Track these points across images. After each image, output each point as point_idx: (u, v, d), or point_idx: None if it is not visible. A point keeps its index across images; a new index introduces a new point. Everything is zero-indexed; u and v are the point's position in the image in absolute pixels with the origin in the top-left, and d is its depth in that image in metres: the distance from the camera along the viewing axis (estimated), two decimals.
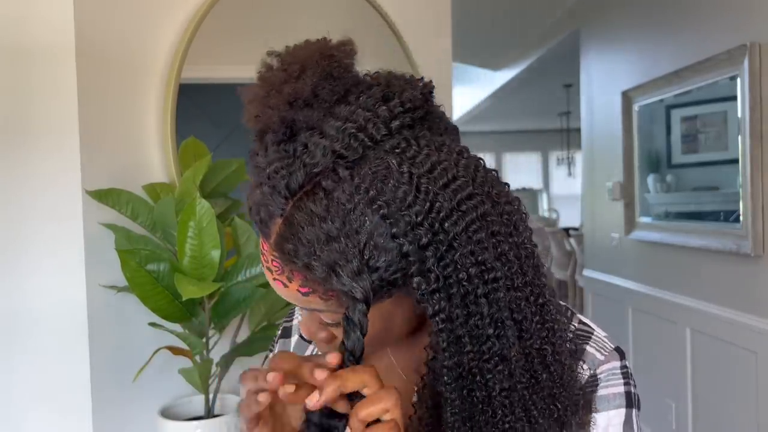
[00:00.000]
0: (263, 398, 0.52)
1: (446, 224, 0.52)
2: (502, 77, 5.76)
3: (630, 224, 3.16)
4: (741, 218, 2.28)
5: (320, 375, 0.51)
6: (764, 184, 2.17)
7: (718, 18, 2.43)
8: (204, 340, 1.49)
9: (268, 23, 1.92)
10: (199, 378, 1.49)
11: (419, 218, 0.52)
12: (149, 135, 1.72)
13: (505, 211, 0.56)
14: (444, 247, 0.53)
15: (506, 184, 0.59)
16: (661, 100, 2.89)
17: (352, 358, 0.52)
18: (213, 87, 1.92)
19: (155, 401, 1.62)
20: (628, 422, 0.63)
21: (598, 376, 0.64)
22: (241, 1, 1.85)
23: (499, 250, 0.55)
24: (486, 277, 0.54)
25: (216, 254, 1.39)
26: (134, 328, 1.61)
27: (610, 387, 0.64)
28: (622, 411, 0.63)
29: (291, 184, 0.53)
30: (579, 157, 6.00)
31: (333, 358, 0.53)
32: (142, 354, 1.51)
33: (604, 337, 0.67)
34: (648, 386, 2.93)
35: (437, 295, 0.53)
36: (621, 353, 0.66)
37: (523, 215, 0.58)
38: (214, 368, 1.52)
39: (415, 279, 0.53)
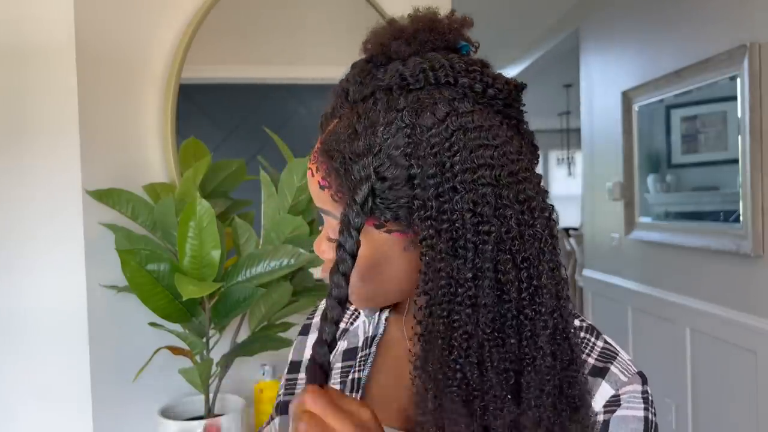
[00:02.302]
0: None
1: (457, 166, 0.56)
2: None
3: (630, 224, 3.16)
4: (741, 218, 2.28)
5: None
6: (764, 184, 2.17)
7: (718, 18, 2.43)
8: (204, 340, 1.49)
9: (269, 23, 1.92)
10: (199, 378, 1.49)
11: (435, 150, 0.56)
12: (149, 135, 1.72)
13: (524, 194, 0.58)
14: (448, 185, 0.56)
15: (546, 191, 0.61)
16: (661, 100, 2.89)
17: (345, 256, 0.56)
18: (213, 87, 1.92)
19: (155, 401, 1.63)
20: None
21: (620, 397, 0.63)
22: (241, 1, 1.85)
23: (501, 211, 0.57)
24: (480, 228, 0.56)
25: (216, 254, 1.40)
26: (134, 328, 1.61)
27: (630, 409, 0.63)
28: None
29: (357, 92, 0.61)
30: (579, 157, 5.99)
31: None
32: (142, 354, 1.51)
33: (628, 360, 0.66)
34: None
35: (428, 222, 0.56)
36: (644, 378, 0.65)
37: (551, 218, 0.60)
38: (214, 368, 1.52)
39: (416, 201, 0.57)
